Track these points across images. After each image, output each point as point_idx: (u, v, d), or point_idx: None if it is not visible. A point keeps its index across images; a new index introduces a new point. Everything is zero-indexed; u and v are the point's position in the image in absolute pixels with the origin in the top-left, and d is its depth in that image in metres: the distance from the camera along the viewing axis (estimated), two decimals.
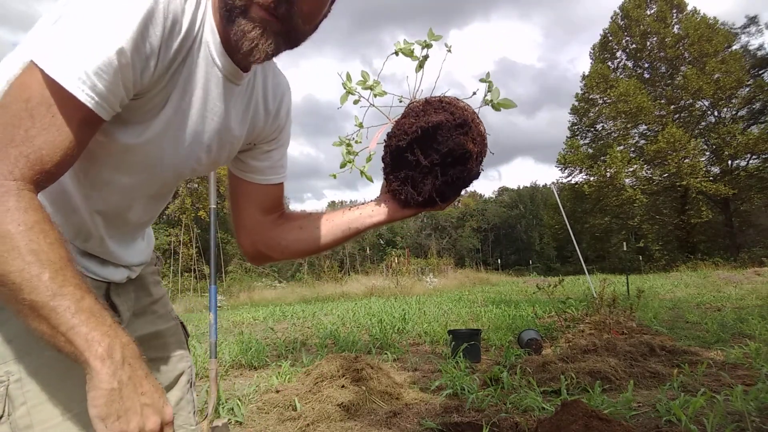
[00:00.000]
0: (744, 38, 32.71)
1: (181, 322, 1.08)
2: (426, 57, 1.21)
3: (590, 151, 35.94)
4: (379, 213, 1.03)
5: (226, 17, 0.77)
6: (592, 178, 33.91)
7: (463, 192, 1.04)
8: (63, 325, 0.62)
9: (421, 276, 19.41)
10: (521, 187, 66.50)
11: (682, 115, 33.79)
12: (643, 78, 34.81)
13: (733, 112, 32.95)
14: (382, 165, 1.04)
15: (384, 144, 1.02)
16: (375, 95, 1.24)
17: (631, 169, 32.66)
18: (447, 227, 52.73)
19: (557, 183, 38.92)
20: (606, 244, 35.64)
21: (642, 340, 4.27)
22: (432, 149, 0.96)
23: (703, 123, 34.07)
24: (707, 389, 2.87)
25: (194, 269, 23.51)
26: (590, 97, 35.59)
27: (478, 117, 1.02)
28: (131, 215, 0.90)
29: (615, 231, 34.81)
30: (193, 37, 0.79)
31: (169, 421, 0.68)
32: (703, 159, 31.89)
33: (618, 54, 36.24)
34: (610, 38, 35.74)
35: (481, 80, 1.13)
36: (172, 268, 22.23)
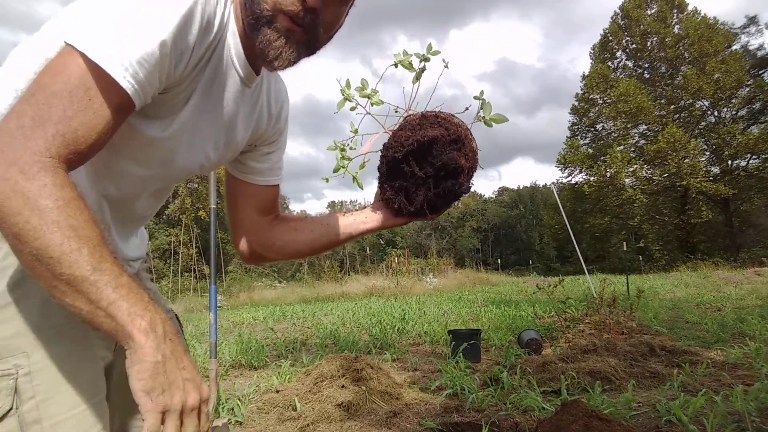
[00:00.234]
0: (744, 38, 32.73)
1: (176, 315, 1.10)
2: (423, 69, 1.28)
3: (590, 151, 35.94)
4: (372, 220, 1.08)
5: (252, 25, 0.81)
6: (592, 178, 33.90)
7: (452, 205, 1.09)
8: (104, 299, 0.62)
9: (421, 276, 19.41)
10: (521, 187, 66.54)
11: (682, 115, 33.79)
12: (643, 78, 34.80)
13: (733, 112, 32.94)
14: (378, 174, 1.08)
15: (381, 154, 1.07)
16: (372, 104, 1.27)
17: (631, 169, 32.66)
18: (447, 227, 52.73)
19: (557, 183, 38.95)
20: (606, 244, 35.64)
21: (642, 340, 4.27)
22: (426, 162, 1.01)
23: (703, 123, 34.06)
24: (707, 389, 2.87)
25: (194, 269, 23.49)
26: (590, 97, 35.58)
27: (471, 134, 1.07)
28: (137, 207, 0.92)
29: (615, 231, 34.81)
30: (219, 38, 0.82)
31: (206, 398, 0.69)
32: (703, 159, 31.89)
33: (618, 54, 36.24)
34: (610, 38, 35.73)
35: (475, 97, 1.17)
36: (172, 268, 22.22)
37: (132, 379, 0.63)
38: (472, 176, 1.07)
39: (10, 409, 0.68)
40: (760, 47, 32.11)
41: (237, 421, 2.97)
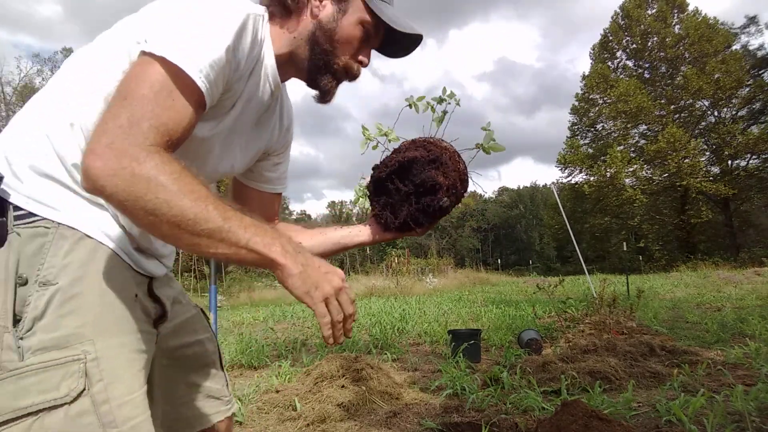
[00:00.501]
0: (744, 38, 32.73)
1: (201, 308, 1.19)
2: (445, 112, 1.53)
3: (590, 151, 35.94)
4: (364, 234, 1.21)
5: (318, 67, 0.99)
6: (592, 178, 33.90)
7: (437, 220, 1.21)
8: (242, 240, 0.75)
9: (421, 276, 19.41)
10: (521, 187, 66.58)
11: (682, 115, 33.78)
12: (643, 78, 34.80)
13: (733, 112, 32.94)
14: (367, 192, 1.23)
15: (370, 175, 1.22)
16: (389, 141, 1.48)
17: (631, 169, 32.65)
18: (447, 227, 52.72)
19: (557, 183, 38.95)
20: (606, 244, 35.64)
21: (642, 340, 4.27)
22: (408, 180, 1.14)
23: (703, 123, 34.07)
24: (707, 389, 2.87)
25: (194, 269, 23.47)
26: (590, 97, 35.59)
27: (458, 156, 1.18)
28: None
29: (615, 231, 34.80)
30: (260, 53, 0.94)
31: (343, 277, 0.85)
32: (703, 159, 31.89)
33: (618, 54, 36.24)
34: (611, 38, 35.72)
35: (483, 128, 1.36)
36: (172, 268, 22.19)
37: (290, 290, 0.80)
38: (456, 193, 1.17)
39: (83, 389, 0.75)
40: (760, 47, 32.16)
41: (237, 421, 2.97)
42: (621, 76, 35.23)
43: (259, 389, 3.55)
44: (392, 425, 2.75)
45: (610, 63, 35.96)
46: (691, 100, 32.63)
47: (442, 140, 1.20)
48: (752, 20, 32.29)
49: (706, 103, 32.93)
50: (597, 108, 35.44)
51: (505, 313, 7.41)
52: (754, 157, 31.14)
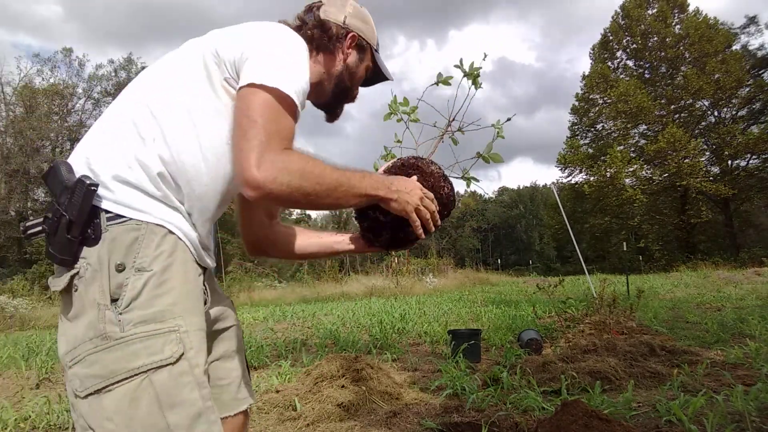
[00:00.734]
0: (744, 38, 32.72)
1: (238, 325, 1.31)
2: (477, 75, 1.72)
3: (590, 151, 35.90)
4: (353, 244, 1.41)
5: (341, 99, 1.32)
6: (592, 178, 33.86)
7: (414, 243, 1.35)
8: (362, 190, 1.10)
9: (421, 276, 19.40)
10: (521, 187, 66.55)
11: (682, 115, 33.76)
12: (643, 78, 34.77)
13: (733, 112, 32.93)
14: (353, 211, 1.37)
15: None
16: (411, 120, 1.63)
17: (631, 169, 32.62)
18: (447, 227, 52.70)
19: (557, 183, 38.95)
20: (606, 244, 35.61)
21: (642, 340, 4.26)
22: (386, 212, 1.24)
23: (703, 123, 34.05)
24: (707, 389, 2.87)
25: None
26: (590, 96, 35.56)
27: (443, 180, 1.31)
28: (219, 211, 1.14)
29: (615, 231, 34.77)
30: None
31: (420, 187, 1.22)
32: (703, 159, 31.86)
33: (618, 54, 36.21)
34: (611, 38, 35.69)
35: (493, 125, 1.56)
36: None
37: (391, 211, 1.18)
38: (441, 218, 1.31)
39: (182, 353, 0.90)
40: (760, 47, 32.14)
41: None
42: (621, 76, 35.21)
43: (259, 389, 3.55)
44: (392, 425, 2.75)
45: (610, 63, 35.94)
46: (691, 100, 32.61)
47: (432, 162, 1.32)
48: (752, 20, 32.31)
49: (706, 103, 32.92)
50: (597, 108, 35.41)
51: (505, 313, 7.41)
52: (754, 157, 31.13)
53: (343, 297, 15.29)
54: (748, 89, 31.21)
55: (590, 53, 37.51)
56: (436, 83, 1.64)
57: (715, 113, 33.62)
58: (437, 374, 3.88)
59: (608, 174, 32.26)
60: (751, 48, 32.19)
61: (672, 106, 33.28)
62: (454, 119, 1.73)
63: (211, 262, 1.12)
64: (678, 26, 32.75)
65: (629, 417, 2.62)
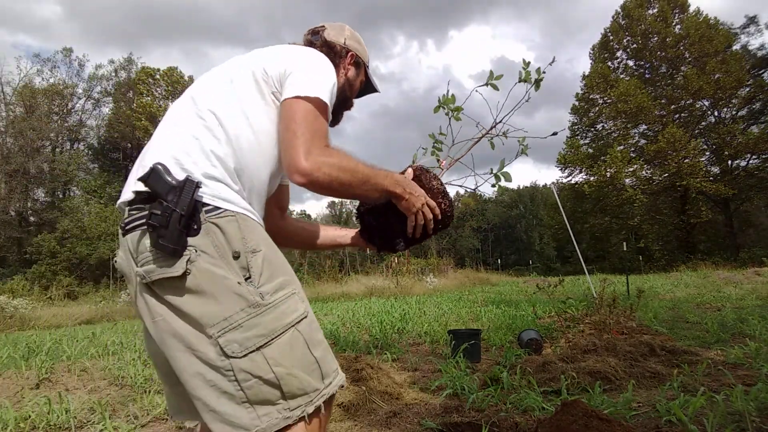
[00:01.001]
0: (744, 38, 32.71)
1: None
2: (540, 79, 2.00)
3: (590, 150, 35.88)
4: (354, 239, 1.62)
5: (342, 108, 1.52)
6: (592, 178, 33.82)
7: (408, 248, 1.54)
8: (384, 185, 1.30)
9: (421, 276, 19.40)
10: (521, 187, 66.48)
11: (682, 115, 33.75)
12: (643, 78, 34.75)
13: (733, 112, 32.92)
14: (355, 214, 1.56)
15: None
16: (455, 118, 1.82)
17: (631, 169, 32.60)
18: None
19: (557, 183, 38.93)
20: (606, 244, 35.61)
21: (642, 340, 4.26)
22: (379, 220, 1.45)
23: (703, 123, 34.04)
24: (707, 389, 2.87)
25: None
26: (590, 96, 35.53)
27: (441, 196, 1.46)
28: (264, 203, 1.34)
29: (615, 231, 34.75)
30: None
31: (424, 194, 1.42)
32: (703, 159, 31.84)
33: (618, 54, 36.19)
34: (611, 37, 35.67)
35: (519, 141, 1.88)
36: None
37: (400, 207, 1.38)
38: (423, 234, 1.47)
39: (305, 312, 1.13)
40: (760, 47, 32.12)
41: None
42: (621, 75, 35.20)
43: None
44: (392, 425, 2.75)
45: (610, 63, 35.91)
46: (691, 100, 32.59)
47: (434, 177, 1.47)
48: (752, 20, 32.30)
49: (706, 103, 32.91)
50: (597, 108, 35.39)
51: (505, 313, 7.41)
52: (754, 157, 31.12)
53: (343, 297, 15.30)
54: (748, 89, 31.20)
55: (590, 53, 37.52)
56: (486, 84, 1.78)
57: (715, 113, 33.61)
58: (437, 374, 3.88)
59: (608, 174, 32.24)
60: (751, 48, 32.21)
61: (672, 106, 33.27)
62: (500, 122, 1.93)
63: None
64: (678, 26, 32.73)
65: (629, 417, 2.62)
